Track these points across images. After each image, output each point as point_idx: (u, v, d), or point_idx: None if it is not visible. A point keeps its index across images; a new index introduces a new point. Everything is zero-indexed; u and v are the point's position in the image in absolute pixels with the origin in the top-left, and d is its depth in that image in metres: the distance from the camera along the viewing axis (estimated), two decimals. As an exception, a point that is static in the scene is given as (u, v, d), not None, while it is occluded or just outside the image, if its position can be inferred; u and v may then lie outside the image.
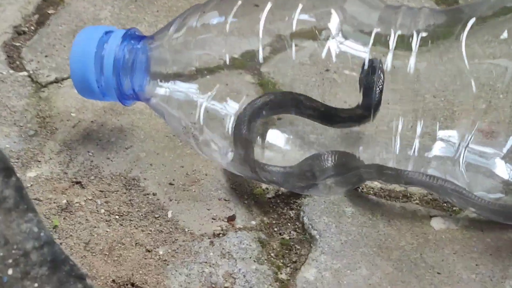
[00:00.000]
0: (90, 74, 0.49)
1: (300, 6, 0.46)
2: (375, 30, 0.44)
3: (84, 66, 0.49)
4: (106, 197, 0.50)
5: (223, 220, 0.49)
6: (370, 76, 0.44)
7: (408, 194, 0.51)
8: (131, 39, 0.50)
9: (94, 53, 0.49)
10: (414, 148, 0.48)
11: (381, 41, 0.44)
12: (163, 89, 0.50)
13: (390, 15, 0.45)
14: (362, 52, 0.45)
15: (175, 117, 0.50)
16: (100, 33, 0.50)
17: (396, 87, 0.48)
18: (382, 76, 0.44)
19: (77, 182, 0.51)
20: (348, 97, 0.51)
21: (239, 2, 0.48)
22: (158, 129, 0.55)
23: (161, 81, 0.50)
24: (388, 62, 0.44)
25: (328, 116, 0.48)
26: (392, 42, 0.44)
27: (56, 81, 0.60)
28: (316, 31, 0.48)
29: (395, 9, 0.45)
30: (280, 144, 0.50)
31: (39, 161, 0.53)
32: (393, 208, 0.50)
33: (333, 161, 0.49)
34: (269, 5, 0.47)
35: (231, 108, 0.50)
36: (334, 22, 0.45)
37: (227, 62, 0.49)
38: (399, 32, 0.44)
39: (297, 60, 0.51)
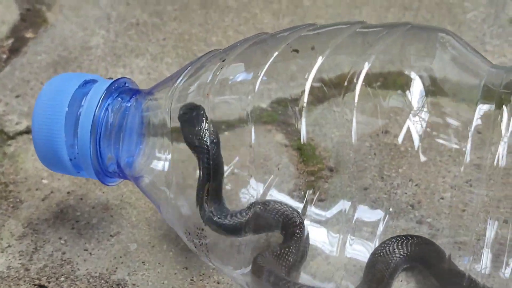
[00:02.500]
0: (59, 142, 0.35)
1: (367, 65, 0.31)
2: (479, 106, 0.29)
3: (52, 130, 0.35)
4: (77, 313, 0.36)
5: None
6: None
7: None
8: (120, 95, 0.36)
9: (65, 113, 0.35)
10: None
11: (488, 121, 0.29)
12: (161, 162, 0.36)
13: (500, 80, 0.30)
14: (457, 140, 0.30)
15: (175, 207, 0.35)
16: (76, 83, 0.36)
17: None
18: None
19: (41, 286, 0.37)
20: (413, 173, 0.37)
21: (275, 53, 0.33)
22: (156, 209, 0.41)
23: (159, 151, 0.36)
24: (500, 152, 0.29)
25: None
26: (505, 126, 0.29)
27: (28, 131, 0.46)
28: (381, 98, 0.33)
29: (507, 72, 0.30)
30: (326, 247, 0.36)
31: (-6, 250, 0.39)
32: None
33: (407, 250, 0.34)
34: (320, 60, 0.32)
35: (254, 191, 0.36)
36: (416, 90, 0.30)
37: (250, 115, 0.35)
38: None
39: (346, 116, 0.36)
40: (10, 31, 0.53)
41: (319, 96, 0.37)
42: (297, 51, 0.37)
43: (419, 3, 0.52)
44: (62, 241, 0.39)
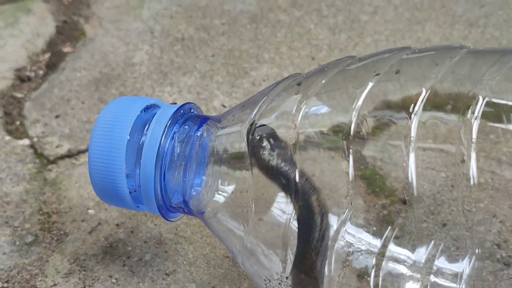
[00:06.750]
0: (119, 174, 0.32)
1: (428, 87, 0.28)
2: None
3: (111, 160, 0.32)
4: None
5: None
6: None
7: None
8: (186, 122, 0.32)
9: (126, 142, 0.31)
10: None
11: None
12: (233, 197, 0.32)
13: None
14: None
15: (254, 251, 0.31)
16: (138, 108, 0.32)
17: None
18: None
19: (92, 332, 0.34)
20: (497, 208, 0.34)
21: (366, 89, 0.30)
22: (215, 244, 0.37)
23: (231, 183, 0.32)
24: None
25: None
26: None
27: (70, 155, 0.42)
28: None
29: None
30: None
31: (38, 288, 0.35)
32: None
33: None
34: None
35: (331, 227, 0.32)
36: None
37: (315, 139, 0.32)
38: None
39: (419, 142, 0.33)
40: (46, 44, 0.49)
41: (384, 121, 0.33)
42: (378, 74, 0.33)
43: (486, 20, 0.48)
44: (113, 280, 0.36)
